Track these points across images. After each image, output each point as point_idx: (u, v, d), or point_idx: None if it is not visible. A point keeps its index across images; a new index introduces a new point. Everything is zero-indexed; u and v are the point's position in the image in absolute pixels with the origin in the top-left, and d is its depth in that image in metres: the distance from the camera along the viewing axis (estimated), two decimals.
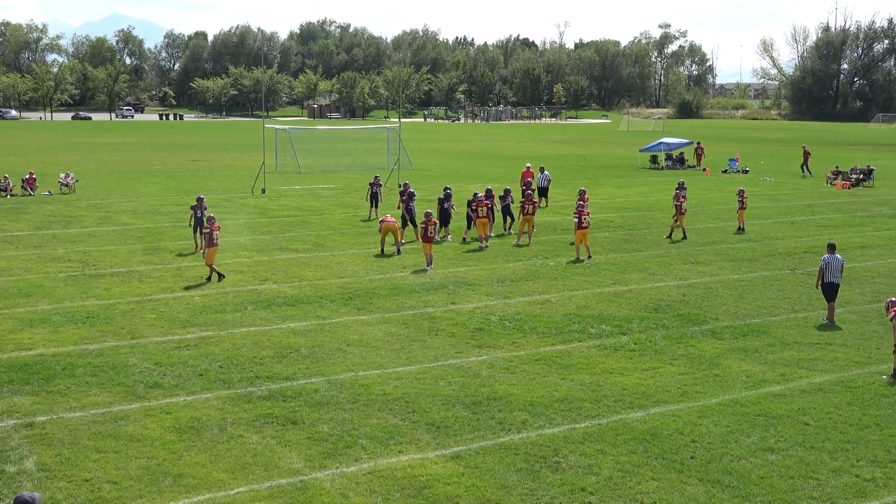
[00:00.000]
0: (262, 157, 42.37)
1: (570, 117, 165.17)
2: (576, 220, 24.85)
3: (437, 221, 24.83)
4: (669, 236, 28.43)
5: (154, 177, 46.51)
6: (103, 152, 63.59)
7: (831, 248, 18.82)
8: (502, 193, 29.85)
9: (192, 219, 24.87)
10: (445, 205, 27.67)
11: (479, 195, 27.16)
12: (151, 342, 16.48)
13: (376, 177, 32.91)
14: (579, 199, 29.16)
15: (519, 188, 32.37)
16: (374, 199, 32.04)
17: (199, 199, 24.97)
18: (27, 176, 38.78)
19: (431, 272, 22.78)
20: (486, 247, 26.45)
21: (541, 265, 24.06)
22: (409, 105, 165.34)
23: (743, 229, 30.08)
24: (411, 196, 28.27)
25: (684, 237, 28.21)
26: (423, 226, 23.62)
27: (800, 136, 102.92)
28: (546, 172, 36.09)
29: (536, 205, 28.01)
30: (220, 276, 21.61)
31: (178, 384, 14.22)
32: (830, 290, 18.50)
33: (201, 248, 23.72)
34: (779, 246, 27.44)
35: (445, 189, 28.94)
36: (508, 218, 29.33)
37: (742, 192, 30.67)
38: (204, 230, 22.01)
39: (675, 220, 28.34)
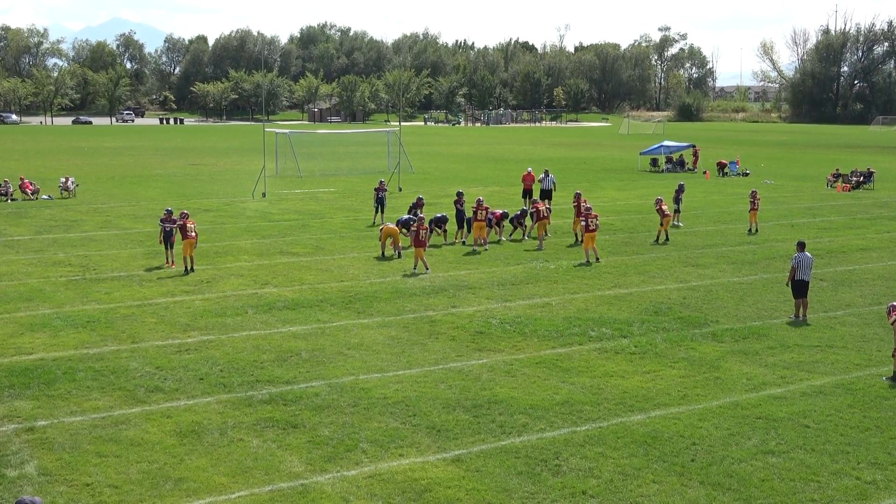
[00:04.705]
0: (263, 160, 42.39)
1: (571, 120, 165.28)
2: (583, 222, 24.85)
3: (428, 226, 24.74)
4: (667, 239, 28.27)
5: (155, 181, 46.55)
6: (104, 156, 63.65)
7: (801, 246, 19.07)
8: (518, 213, 29.04)
9: (161, 233, 23.74)
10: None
11: (482, 199, 27.09)
12: (152, 346, 16.49)
13: (381, 182, 32.69)
14: (576, 202, 28.94)
15: (520, 190, 32.16)
16: (380, 204, 31.92)
17: (168, 212, 24.04)
18: (20, 182, 38.82)
19: (431, 275, 22.76)
20: (485, 250, 26.46)
21: (541, 268, 24.07)
22: (409, 108, 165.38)
23: (756, 230, 30.14)
24: (412, 207, 28.52)
25: (666, 240, 28.15)
26: (415, 230, 23.52)
27: (800, 138, 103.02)
28: (551, 175, 36.03)
29: (542, 210, 27.68)
30: (191, 269, 22.57)
31: (179, 388, 14.23)
32: (801, 288, 18.71)
33: (171, 263, 23.68)
34: (779, 248, 27.44)
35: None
36: (518, 227, 28.97)
37: (754, 194, 30.68)
38: (178, 223, 22.49)
39: (661, 224, 28.23)
